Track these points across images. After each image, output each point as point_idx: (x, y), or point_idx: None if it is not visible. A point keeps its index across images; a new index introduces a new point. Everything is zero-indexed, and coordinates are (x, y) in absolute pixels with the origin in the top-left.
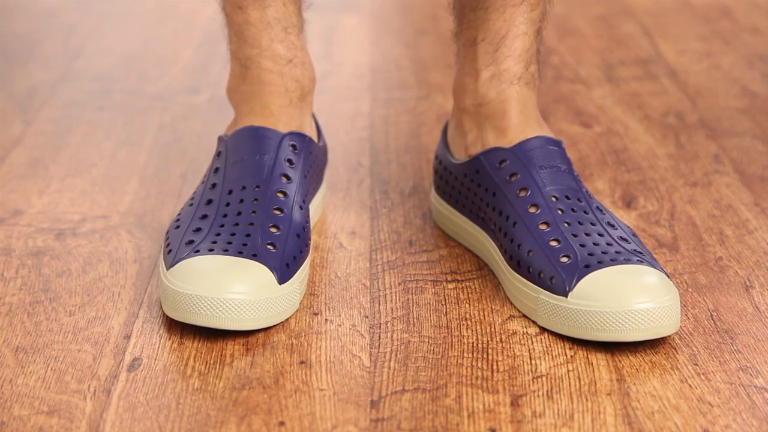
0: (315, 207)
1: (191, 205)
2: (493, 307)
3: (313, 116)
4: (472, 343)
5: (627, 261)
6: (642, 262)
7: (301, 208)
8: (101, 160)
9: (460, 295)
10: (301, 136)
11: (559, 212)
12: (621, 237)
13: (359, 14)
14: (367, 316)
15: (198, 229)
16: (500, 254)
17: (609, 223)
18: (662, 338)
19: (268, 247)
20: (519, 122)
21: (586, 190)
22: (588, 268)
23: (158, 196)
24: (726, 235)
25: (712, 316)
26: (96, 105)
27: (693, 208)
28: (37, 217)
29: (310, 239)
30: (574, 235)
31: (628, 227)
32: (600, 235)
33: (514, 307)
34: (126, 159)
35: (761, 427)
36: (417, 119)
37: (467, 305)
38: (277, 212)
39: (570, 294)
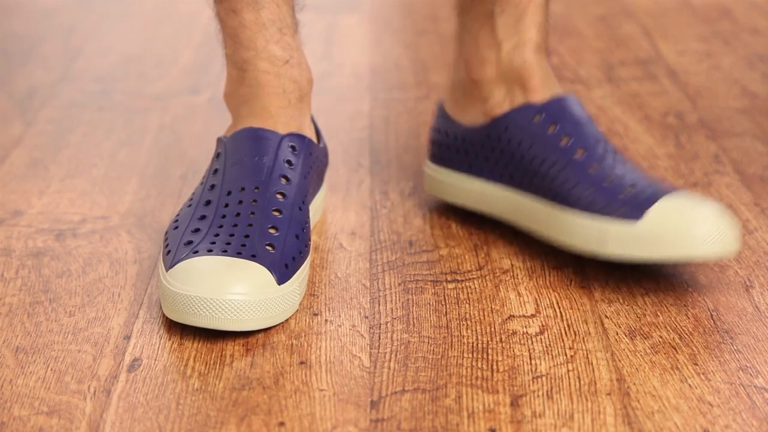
0: (315, 208)
1: (190, 206)
2: (493, 307)
3: (312, 119)
4: (472, 343)
5: (677, 190)
6: (686, 192)
7: (300, 209)
8: (101, 160)
9: (460, 295)
10: (300, 137)
11: (602, 153)
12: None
13: (359, 14)
14: (367, 317)
15: (197, 230)
16: (545, 202)
17: (633, 163)
18: (662, 338)
19: (267, 248)
20: (544, 82)
21: (604, 135)
22: (651, 198)
23: (158, 197)
24: None
25: (712, 316)
26: (96, 105)
27: None
28: (37, 217)
29: (309, 240)
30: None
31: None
32: (634, 171)
33: (567, 250)
34: (126, 159)
35: (761, 427)
36: (417, 119)
37: (467, 305)
38: (276, 213)
39: (644, 218)
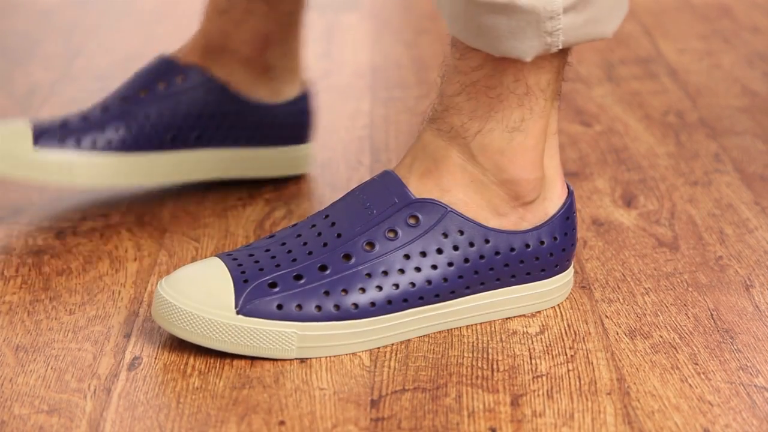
0: None
1: None
2: None
3: None
4: (472, 342)
5: None
6: None
7: None
8: None
9: None
10: None
11: None
12: None
13: (359, 13)
14: None
15: None
16: None
17: None
18: (662, 338)
19: None
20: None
21: None
22: None
23: (158, 195)
24: (726, 234)
25: (712, 315)
26: None
27: (693, 207)
28: (38, 215)
29: None
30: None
31: None
32: None
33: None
34: None
35: (761, 427)
36: (417, 118)
37: None
38: None
39: None
